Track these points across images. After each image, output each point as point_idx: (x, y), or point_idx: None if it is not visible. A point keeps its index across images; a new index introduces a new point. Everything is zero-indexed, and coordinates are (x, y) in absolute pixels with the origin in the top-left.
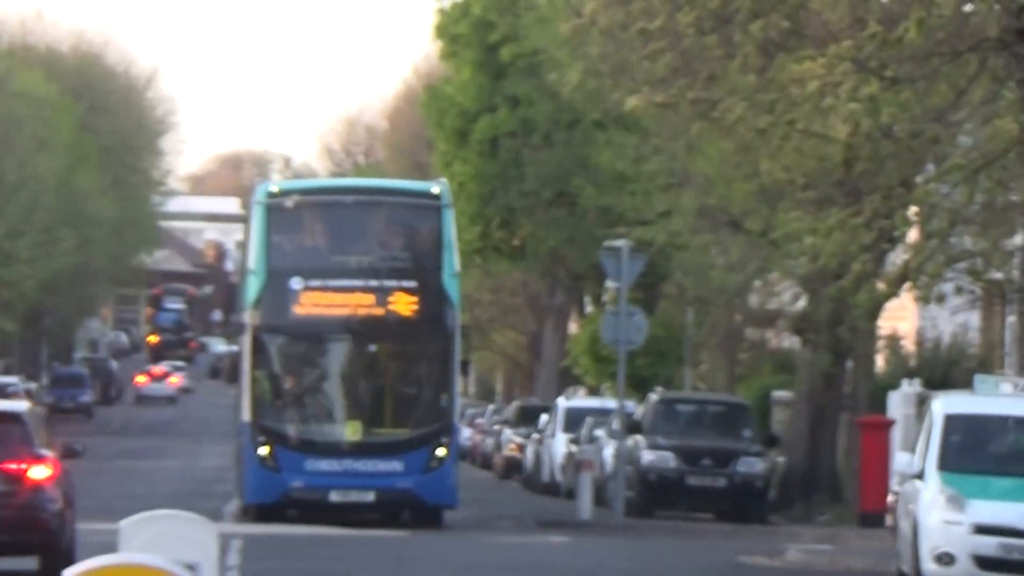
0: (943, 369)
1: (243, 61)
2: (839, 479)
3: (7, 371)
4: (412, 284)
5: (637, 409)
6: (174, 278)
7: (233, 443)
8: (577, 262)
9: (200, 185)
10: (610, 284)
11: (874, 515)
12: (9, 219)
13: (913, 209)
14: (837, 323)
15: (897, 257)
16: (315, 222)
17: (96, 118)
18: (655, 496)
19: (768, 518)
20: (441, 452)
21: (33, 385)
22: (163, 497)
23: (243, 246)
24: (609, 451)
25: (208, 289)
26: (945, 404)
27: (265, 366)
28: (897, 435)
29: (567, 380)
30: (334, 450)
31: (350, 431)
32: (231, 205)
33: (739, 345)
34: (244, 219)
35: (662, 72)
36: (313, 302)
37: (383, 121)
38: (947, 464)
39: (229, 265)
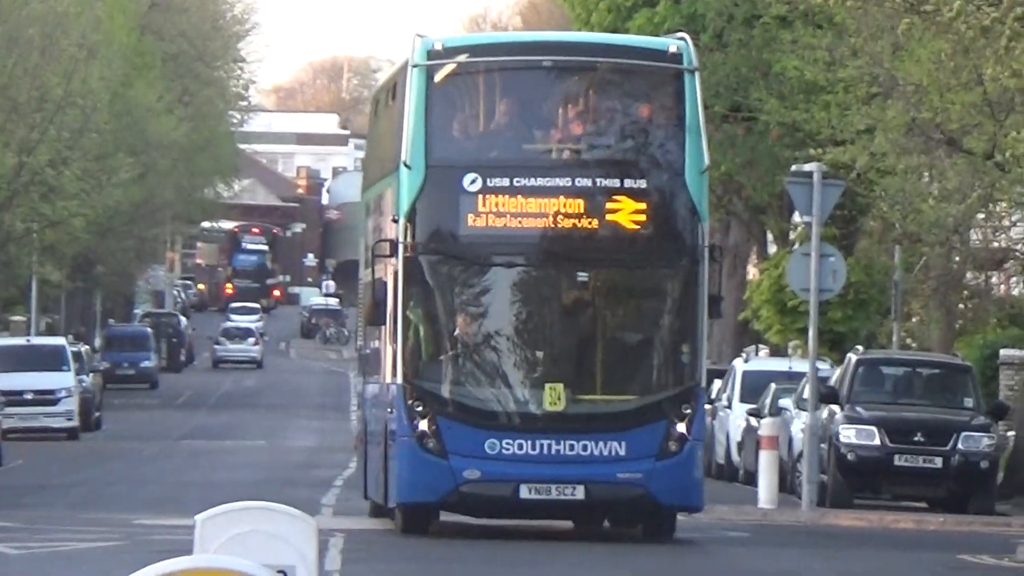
0: None
1: None
2: None
3: (52, 331)
4: (641, 184)
5: (833, 373)
6: (257, 213)
7: (358, 413)
8: (757, 191)
9: (290, 100)
10: (799, 218)
11: None
12: (53, 144)
13: None
14: None
15: None
16: (498, 95)
17: (159, 17)
18: (855, 481)
19: (996, 507)
20: (682, 429)
21: (84, 347)
22: (247, 485)
23: (380, 135)
24: (798, 425)
25: (299, 227)
26: None
27: (424, 303)
28: None
29: (745, 338)
30: (527, 425)
31: (550, 398)
32: (328, 123)
33: (959, 293)
34: (371, 121)
35: None
36: (495, 210)
37: (515, 18)
38: None
39: (324, 198)
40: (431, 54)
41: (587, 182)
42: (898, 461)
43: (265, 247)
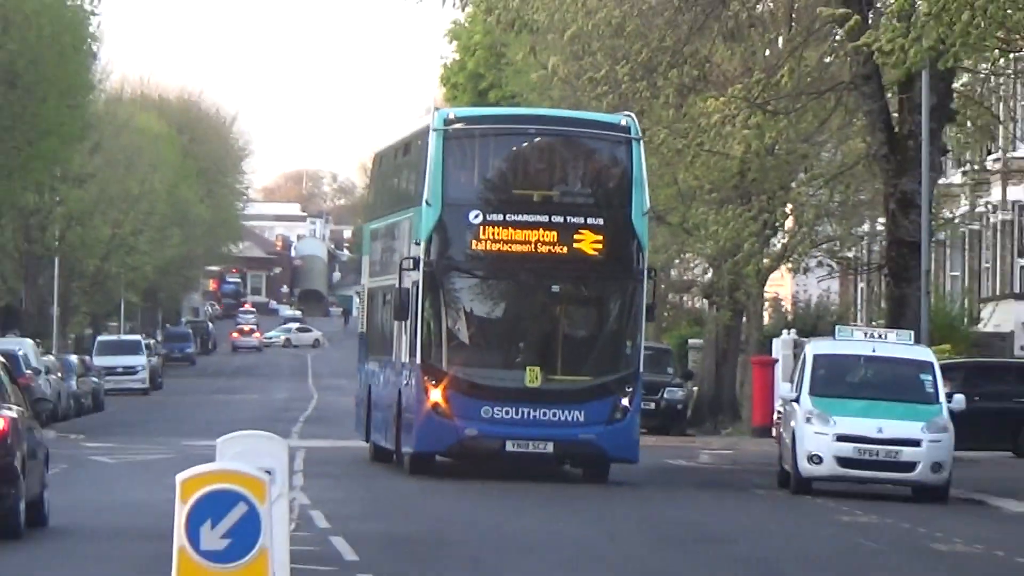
0: (812, 322)
1: (299, 101)
2: (737, 402)
3: (132, 331)
4: (598, 222)
5: None
6: (253, 263)
7: (361, 382)
8: None
9: (271, 194)
10: None
11: (763, 428)
12: (133, 222)
13: (788, 206)
14: (735, 289)
15: (777, 241)
16: (495, 153)
17: (195, 147)
18: None
19: (686, 432)
20: (625, 402)
21: (151, 340)
22: (247, 421)
23: (389, 182)
24: None
25: (277, 269)
26: (814, 347)
27: (437, 305)
28: (779, 370)
29: None
30: (512, 397)
31: (529, 377)
32: (294, 208)
33: (664, 306)
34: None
35: (606, 109)
36: (492, 237)
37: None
38: (816, 391)
39: (292, 252)
40: (446, 121)
41: (559, 219)
42: None
43: (239, 280)
